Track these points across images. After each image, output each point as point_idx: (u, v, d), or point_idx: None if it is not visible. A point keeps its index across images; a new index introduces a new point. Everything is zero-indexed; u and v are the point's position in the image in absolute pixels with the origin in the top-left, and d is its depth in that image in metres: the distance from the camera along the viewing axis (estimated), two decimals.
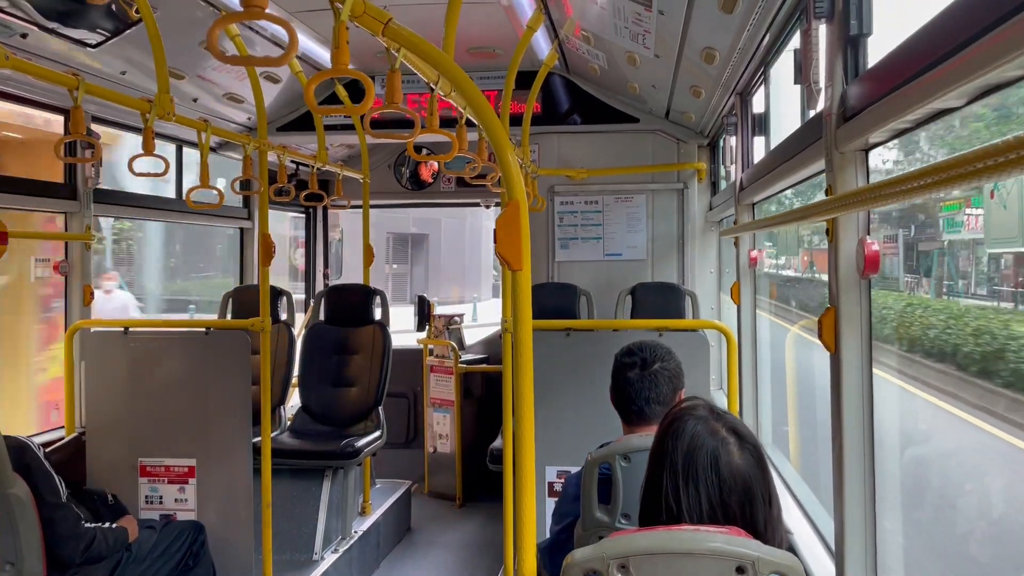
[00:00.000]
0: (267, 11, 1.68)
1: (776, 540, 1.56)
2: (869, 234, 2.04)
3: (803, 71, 2.35)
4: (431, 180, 7.15)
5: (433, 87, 2.37)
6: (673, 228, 5.88)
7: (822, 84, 2.20)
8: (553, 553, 2.40)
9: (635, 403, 2.42)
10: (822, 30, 2.22)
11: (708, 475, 1.55)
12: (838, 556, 2.16)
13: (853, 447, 2.10)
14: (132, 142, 4.91)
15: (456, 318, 6.92)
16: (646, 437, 2.17)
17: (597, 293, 5.68)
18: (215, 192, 3.71)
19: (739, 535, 1.48)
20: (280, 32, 4.33)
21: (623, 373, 2.46)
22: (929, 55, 1.48)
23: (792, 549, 2.61)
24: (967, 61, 1.31)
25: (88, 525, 3.25)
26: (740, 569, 1.42)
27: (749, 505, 1.55)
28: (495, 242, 1.81)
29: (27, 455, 3.10)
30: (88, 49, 3.81)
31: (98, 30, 3.72)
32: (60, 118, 4.34)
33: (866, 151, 2.04)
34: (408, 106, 5.53)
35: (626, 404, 2.45)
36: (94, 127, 4.44)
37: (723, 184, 5.40)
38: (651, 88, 5.05)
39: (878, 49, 2.00)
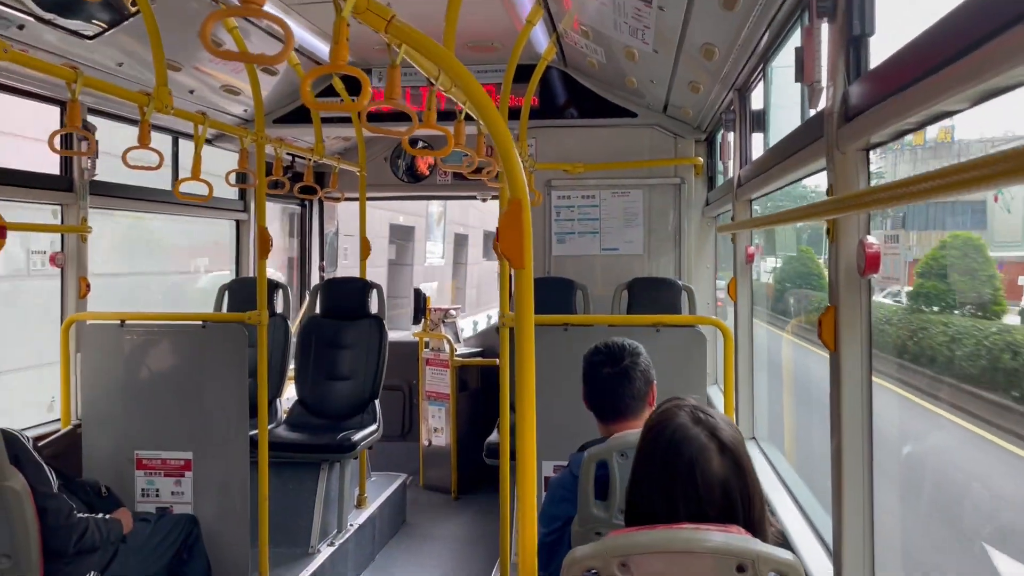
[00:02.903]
0: (264, 8, 1.67)
1: (762, 539, 1.56)
2: (869, 234, 2.04)
3: (804, 69, 2.35)
4: (428, 173, 7.13)
5: (433, 82, 2.36)
6: (670, 223, 5.87)
7: (824, 83, 2.20)
8: (540, 554, 2.41)
9: (611, 400, 2.42)
10: (824, 29, 2.21)
11: (684, 484, 1.55)
12: (836, 554, 2.17)
13: (852, 445, 2.11)
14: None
15: (452, 311, 6.92)
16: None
17: (593, 287, 5.68)
18: (204, 185, 3.70)
19: (739, 533, 1.49)
20: None
21: (595, 372, 2.46)
22: (934, 57, 1.47)
23: (787, 546, 2.63)
24: (973, 64, 1.30)
25: (80, 516, 3.25)
26: (740, 567, 1.43)
27: (729, 511, 1.55)
28: (496, 240, 1.80)
29: (16, 447, 3.10)
30: (85, 41, 3.79)
31: (95, 21, 3.70)
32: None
33: (867, 151, 2.05)
34: (405, 98, 5.54)
35: (602, 402, 2.45)
36: (90, 119, 4.42)
37: (720, 180, 5.40)
38: (649, 83, 5.04)
39: (879, 50, 2.01)
